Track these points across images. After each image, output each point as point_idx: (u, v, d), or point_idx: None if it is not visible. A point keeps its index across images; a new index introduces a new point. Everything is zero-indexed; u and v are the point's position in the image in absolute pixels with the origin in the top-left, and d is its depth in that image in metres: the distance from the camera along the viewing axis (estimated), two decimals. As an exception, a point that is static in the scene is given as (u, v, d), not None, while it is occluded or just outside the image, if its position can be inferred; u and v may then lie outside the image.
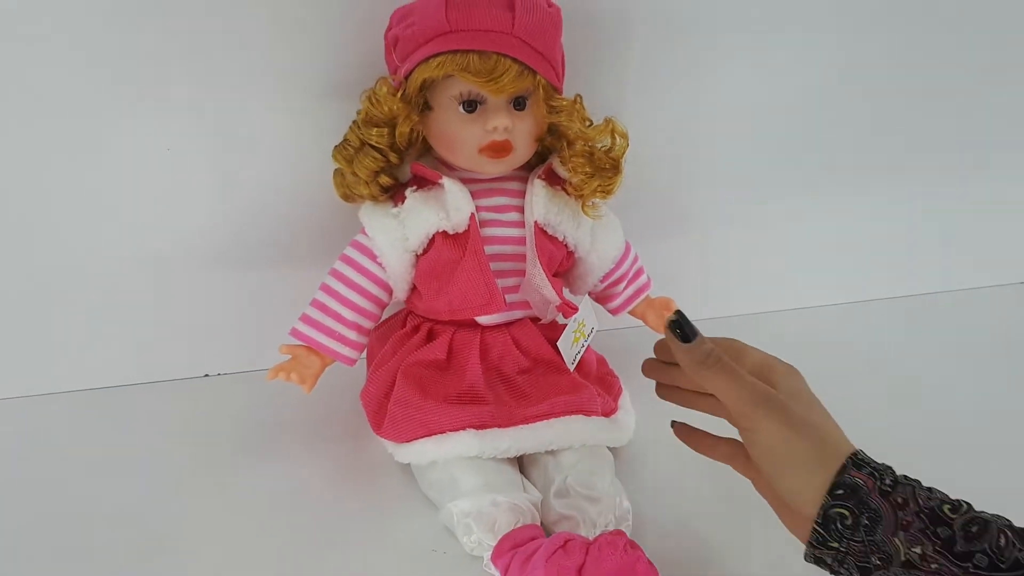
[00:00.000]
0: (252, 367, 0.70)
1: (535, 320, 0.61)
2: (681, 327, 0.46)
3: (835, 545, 0.41)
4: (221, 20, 0.58)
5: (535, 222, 0.58)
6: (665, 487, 0.59)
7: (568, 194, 0.59)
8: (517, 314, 0.60)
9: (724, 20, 0.68)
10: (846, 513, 0.41)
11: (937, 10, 0.73)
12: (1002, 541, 0.38)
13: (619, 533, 0.50)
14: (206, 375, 0.70)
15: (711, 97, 0.71)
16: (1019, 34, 0.77)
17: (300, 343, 0.58)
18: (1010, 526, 0.39)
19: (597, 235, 0.62)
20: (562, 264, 0.61)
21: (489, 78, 0.51)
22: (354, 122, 0.56)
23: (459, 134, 0.54)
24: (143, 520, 0.55)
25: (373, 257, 0.58)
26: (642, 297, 0.68)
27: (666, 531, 0.55)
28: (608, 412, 0.60)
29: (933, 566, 0.39)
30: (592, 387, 0.59)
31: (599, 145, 0.57)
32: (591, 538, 0.49)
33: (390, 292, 0.59)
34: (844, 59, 0.73)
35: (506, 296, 0.58)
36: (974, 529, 0.38)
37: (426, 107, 0.55)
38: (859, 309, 0.88)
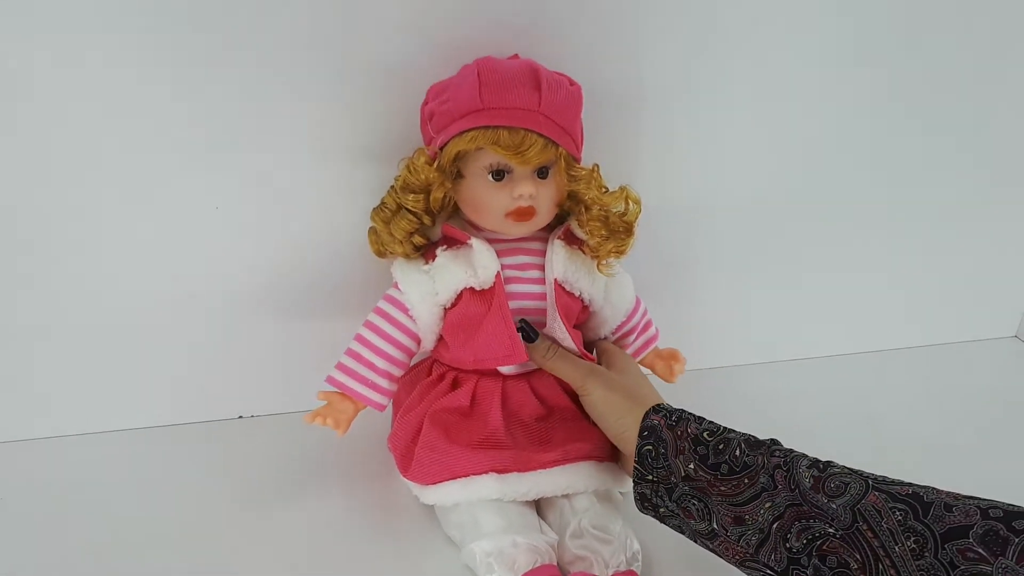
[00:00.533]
0: (284, 410, 0.74)
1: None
2: (525, 331, 0.61)
3: (650, 477, 0.54)
4: (271, 90, 0.63)
5: (555, 279, 0.63)
6: (672, 531, 0.62)
7: (584, 254, 0.64)
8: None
9: (721, 94, 0.73)
10: (651, 448, 0.55)
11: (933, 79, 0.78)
12: (738, 452, 0.52)
13: (631, 573, 0.53)
14: (240, 416, 0.74)
15: (719, 163, 0.76)
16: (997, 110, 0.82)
17: (335, 390, 0.62)
18: (747, 440, 0.53)
19: (610, 291, 0.66)
20: (579, 317, 0.66)
21: (517, 151, 0.56)
22: (392, 187, 0.62)
23: (488, 200, 0.59)
24: (179, 556, 0.58)
25: (405, 310, 0.62)
26: (651, 348, 0.72)
27: (674, 571, 0.59)
28: (617, 457, 0.64)
29: (700, 474, 0.52)
30: (603, 434, 0.63)
31: (614, 210, 0.62)
32: None
33: (419, 342, 0.64)
34: (838, 128, 0.78)
35: None
36: (720, 447, 0.53)
37: (458, 175, 0.60)
38: (859, 360, 0.91)
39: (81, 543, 0.60)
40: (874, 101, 0.77)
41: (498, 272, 0.60)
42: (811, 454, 0.52)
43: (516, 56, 0.63)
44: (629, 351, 0.71)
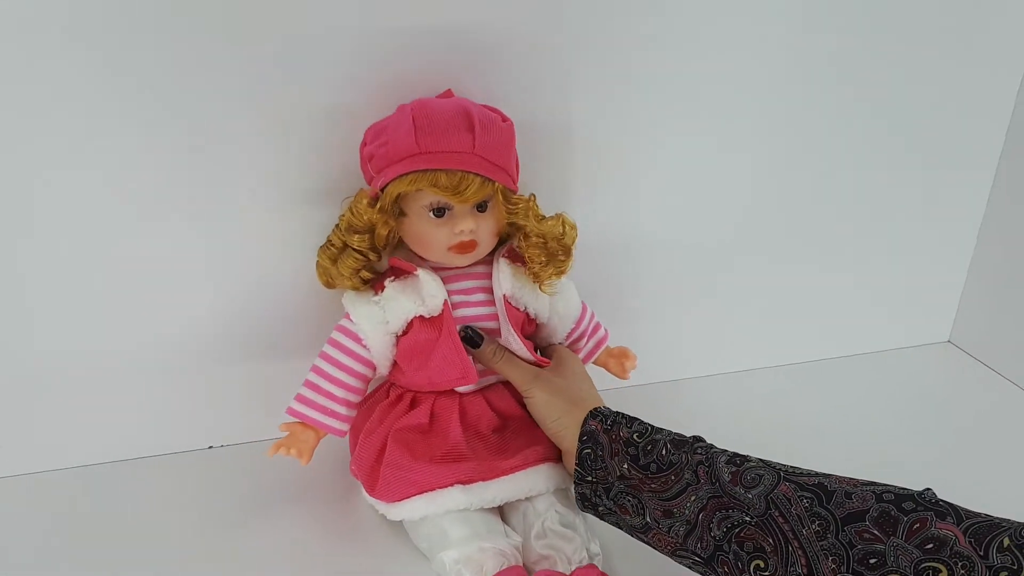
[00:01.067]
0: (253, 438, 0.77)
1: (507, 383, 0.69)
2: (471, 337, 0.65)
3: (590, 478, 0.59)
4: (220, 137, 0.66)
5: (504, 295, 0.67)
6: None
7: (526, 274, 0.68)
8: (491, 379, 0.69)
9: (650, 123, 0.77)
10: (590, 451, 0.60)
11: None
12: (664, 451, 0.57)
13: (591, 567, 0.59)
14: (210, 447, 0.77)
15: (651, 184, 0.80)
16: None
17: (296, 420, 0.65)
18: (673, 440, 0.58)
19: (555, 304, 0.71)
20: (526, 328, 0.71)
21: (455, 192, 0.60)
22: (336, 227, 0.64)
23: (431, 237, 0.63)
24: None
25: (358, 340, 0.65)
26: (602, 348, 0.77)
27: (634, 563, 0.63)
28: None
29: (633, 473, 0.57)
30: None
31: (552, 235, 0.66)
32: (568, 573, 0.58)
33: (374, 369, 0.67)
34: (766, 143, 0.82)
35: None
36: (649, 447, 0.58)
37: (401, 214, 0.63)
38: (798, 371, 0.93)
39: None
40: (805, 110, 0.81)
41: (446, 300, 0.64)
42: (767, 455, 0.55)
43: (449, 92, 0.66)
44: (582, 354, 0.76)
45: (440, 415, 0.66)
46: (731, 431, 0.77)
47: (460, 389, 0.67)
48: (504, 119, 0.64)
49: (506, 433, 0.67)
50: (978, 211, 0.93)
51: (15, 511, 0.69)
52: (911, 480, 0.55)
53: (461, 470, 0.63)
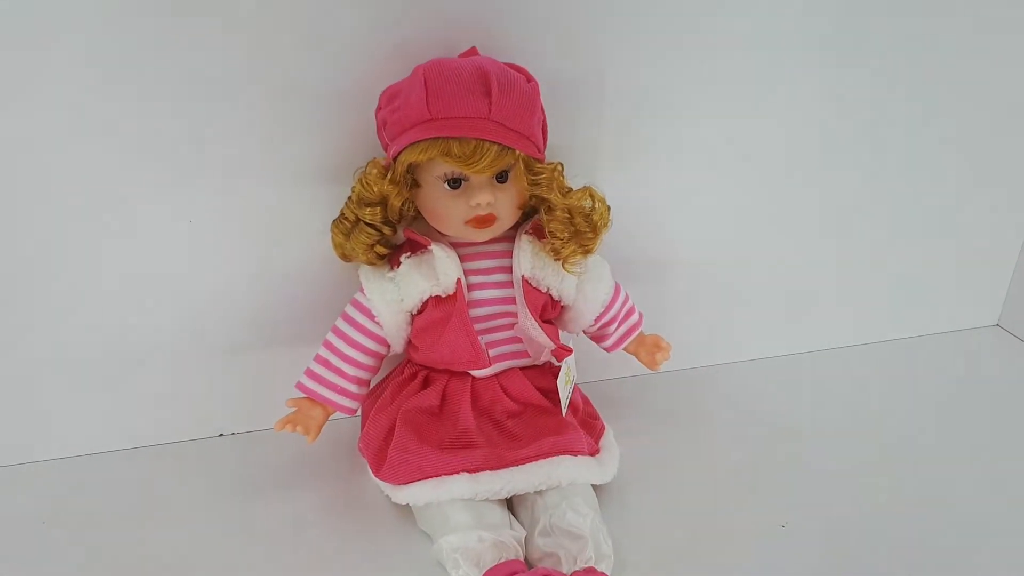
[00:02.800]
0: (263, 426, 0.75)
1: (524, 368, 0.66)
2: None
3: None
4: (218, 105, 0.62)
5: (522, 276, 0.62)
6: (646, 527, 0.63)
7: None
8: (508, 363, 0.65)
9: (686, 92, 0.71)
10: None
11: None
12: None
13: (591, 571, 0.55)
14: (220, 435, 0.75)
15: (689, 152, 0.74)
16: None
17: (304, 396, 0.63)
18: None
19: (583, 285, 0.66)
20: (550, 311, 0.66)
21: (469, 162, 0.55)
22: (349, 199, 0.61)
23: (446, 210, 0.59)
24: (167, 564, 0.60)
25: (371, 316, 0.63)
26: (633, 336, 0.72)
27: (649, 571, 0.59)
28: (593, 452, 0.65)
29: None
30: (578, 427, 0.64)
31: (580, 209, 0.61)
32: (569, 573, 0.54)
33: (388, 346, 0.64)
34: (819, 119, 0.76)
35: (499, 348, 0.64)
36: None
37: (415, 184, 0.59)
38: (836, 355, 0.89)
39: (68, 567, 0.60)
40: (845, 78, 0.75)
41: (459, 279, 0.60)
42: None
43: (474, 50, 0.61)
44: (610, 340, 0.71)
45: (452, 397, 0.63)
46: (772, 416, 0.77)
47: (475, 372, 0.64)
48: (529, 79, 0.59)
49: (522, 420, 0.64)
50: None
51: (26, 499, 0.68)
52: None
53: (469, 458, 0.60)
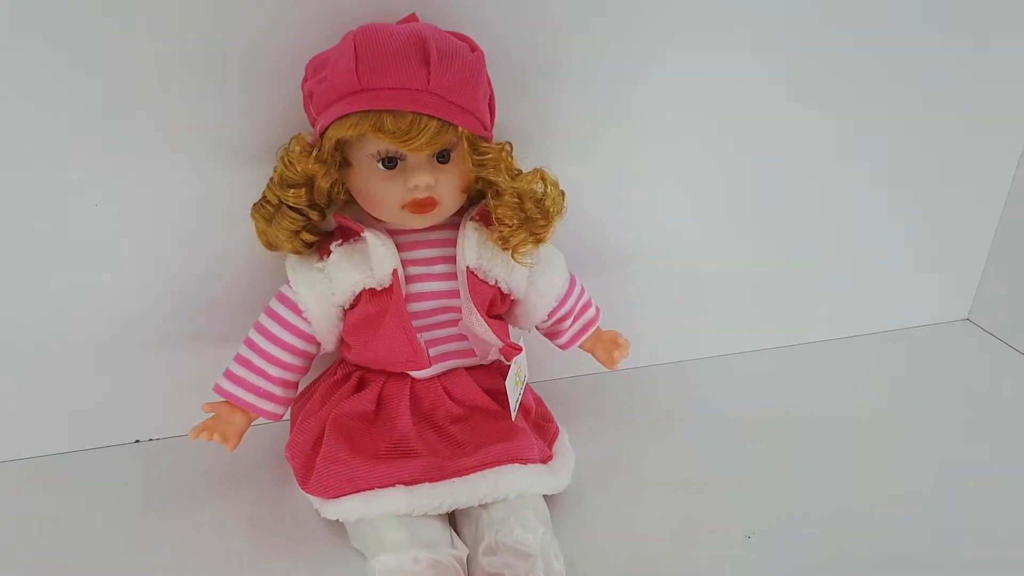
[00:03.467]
0: (183, 432, 0.64)
1: (470, 368, 0.60)
2: None
3: None
4: (134, 81, 0.55)
5: (467, 267, 0.57)
6: (602, 540, 0.58)
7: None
8: (451, 364, 0.59)
9: (647, 67, 0.66)
10: None
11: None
12: None
13: None
14: (137, 441, 0.68)
15: (642, 136, 0.69)
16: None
17: (223, 400, 0.57)
18: None
19: (535, 278, 0.60)
20: (499, 306, 0.60)
21: (405, 138, 0.49)
22: (271, 180, 0.55)
23: (380, 192, 0.53)
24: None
25: (298, 312, 0.56)
26: (590, 332, 0.67)
27: None
28: (545, 459, 0.59)
29: None
30: (529, 432, 0.59)
31: (532, 193, 0.56)
32: None
33: (318, 344, 0.58)
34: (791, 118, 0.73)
35: (442, 346, 0.58)
36: None
37: (345, 164, 0.53)
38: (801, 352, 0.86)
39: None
40: (827, 82, 0.72)
41: (396, 270, 0.54)
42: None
43: (413, 16, 0.55)
44: (565, 336, 0.66)
45: (388, 401, 0.58)
46: (739, 415, 0.74)
47: (414, 374, 0.58)
48: (474, 48, 0.53)
49: (467, 425, 0.58)
50: (1002, 184, 0.86)
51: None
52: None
53: (405, 469, 0.54)
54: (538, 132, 0.63)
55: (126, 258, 0.61)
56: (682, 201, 0.74)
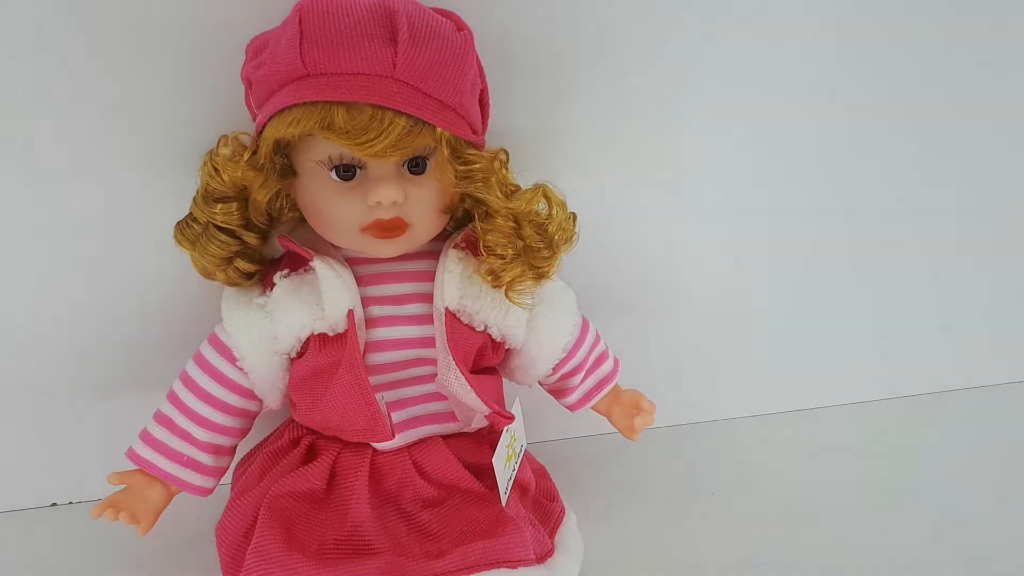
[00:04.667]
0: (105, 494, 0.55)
1: (450, 437, 0.48)
2: None
3: None
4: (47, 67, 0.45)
5: (446, 309, 0.45)
6: None
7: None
8: (425, 431, 0.47)
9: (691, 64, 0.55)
10: None
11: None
12: None
13: None
14: (54, 504, 0.58)
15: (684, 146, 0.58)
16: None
17: (138, 468, 0.45)
18: None
19: (537, 322, 0.48)
20: (490, 357, 0.48)
21: (361, 139, 0.38)
22: (197, 192, 0.43)
23: (332, 210, 0.42)
24: None
25: (232, 359, 0.45)
26: (605, 390, 0.54)
27: None
28: (543, 555, 0.47)
29: None
30: (521, 522, 0.46)
31: (533, 215, 0.44)
32: None
33: (259, 401, 0.47)
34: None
35: (414, 408, 0.46)
36: None
37: (289, 171, 0.42)
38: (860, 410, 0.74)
39: None
40: (881, 84, 0.61)
41: (350, 311, 0.43)
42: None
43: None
44: (575, 395, 0.53)
45: (343, 478, 0.45)
46: (786, 494, 0.61)
47: (377, 444, 0.46)
48: (460, 27, 0.42)
49: (442, 513, 0.45)
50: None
51: None
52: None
53: (358, 571, 0.41)
54: (543, 139, 0.52)
55: (33, 289, 0.51)
56: (722, 230, 0.62)
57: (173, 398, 0.46)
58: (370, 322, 0.44)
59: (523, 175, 0.45)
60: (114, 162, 0.48)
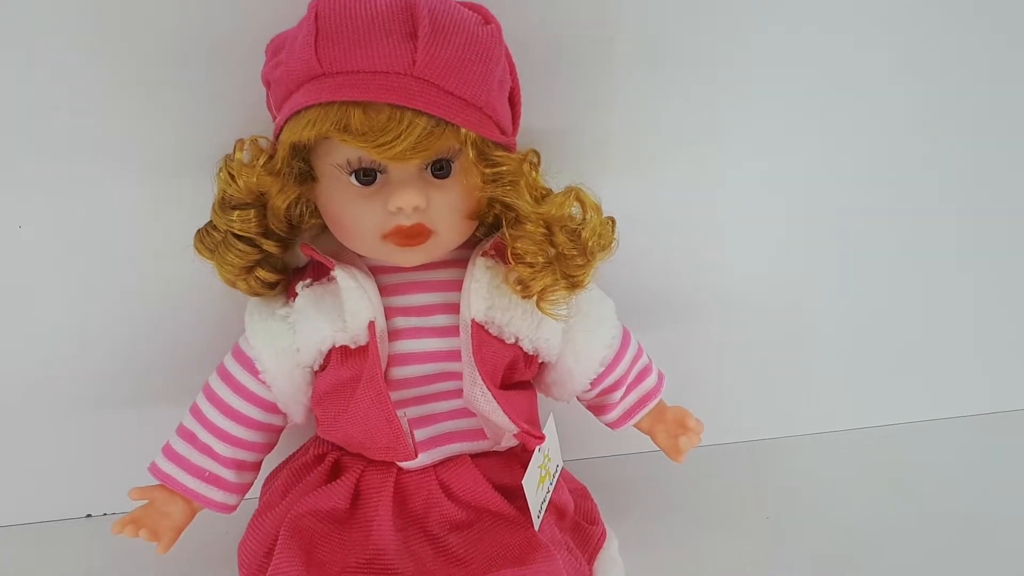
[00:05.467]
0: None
1: (479, 456, 0.45)
2: None
3: None
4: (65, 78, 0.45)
5: (472, 320, 0.42)
6: None
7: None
8: (452, 449, 0.44)
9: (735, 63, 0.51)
10: None
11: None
12: None
13: None
14: (89, 515, 0.58)
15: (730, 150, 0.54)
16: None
17: (159, 483, 0.44)
18: None
19: (573, 334, 0.45)
20: (523, 371, 0.45)
21: (379, 141, 0.36)
22: (214, 199, 0.42)
23: (352, 216, 0.40)
24: None
25: (255, 372, 0.43)
26: (648, 407, 0.50)
27: None
28: (579, 581, 0.44)
29: None
30: (555, 547, 0.43)
31: (565, 220, 0.41)
32: None
33: (284, 415, 0.45)
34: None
35: (441, 425, 0.43)
36: None
37: (309, 176, 0.40)
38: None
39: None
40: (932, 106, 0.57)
41: (372, 323, 0.40)
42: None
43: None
44: (615, 412, 0.50)
45: (367, 498, 0.43)
46: (844, 515, 0.58)
47: (402, 463, 0.43)
48: (488, 20, 0.40)
49: (471, 536, 0.42)
50: None
51: None
52: None
53: (380, 596, 0.39)
54: (580, 140, 0.49)
55: (65, 296, 0.50)
56: (774, 237, 0.58)
57: (196, 412, 0.45)
58: (394, 334, 0.42)
59: (557, 178, 0.42)
60: (137, 171, 0.47)
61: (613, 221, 0.43)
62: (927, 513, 0.57)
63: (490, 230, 0.45)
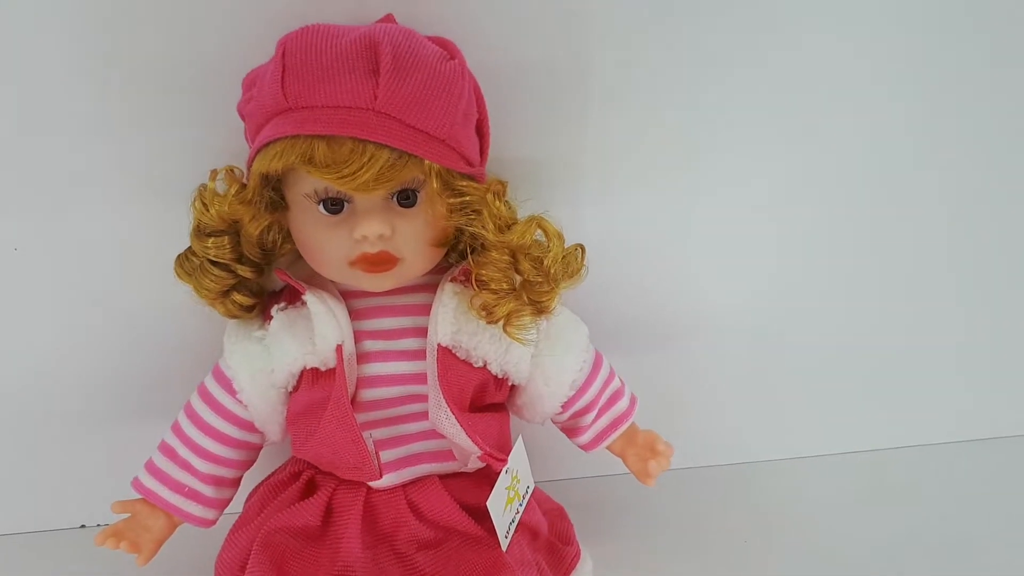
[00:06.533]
0: None
1: (447, 476, 0.46)
2: None
3: None
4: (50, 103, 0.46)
5: (438, 345, 0.43)
6: None
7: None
8: (421, 470, 0.45)
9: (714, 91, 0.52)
10: None
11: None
12: None
13: None
14: (83, 526, 0.59)
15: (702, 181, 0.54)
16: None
17: (141, 497, 0.46)
18: None
19: (542, 359, 0.46)
20: (493, 393, 0.46)
21: (342, 172, 0.37)
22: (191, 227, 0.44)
23: (320, 243, 0.41)
24: None
25: (232, 392, 0.45)
26: (620, 430, 0.51)
27: None
28: (551, 602, 0.44)
29: None
30: (522, 568, 0.43)
31: (529, 247, 0.42)
32: None
33: (261, 433, 0.46)
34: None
35: (409, 446, 0.44)
36: None
37: (280, 204, 0.42)
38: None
39: None
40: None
41: (339, 346, 0.42)
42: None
43: (389, 17, 0.43)
44: (586, 436, 0.50)
45: (337, 516, 0.44)
46: (824, 542, 0.57)
47: (371, 482, 0.44)
48: (452, 55, 0.41)
49: (439, 556, 0.43)
50: None
51: None
52: None
53: (346, 614, 0.40)
54: (554, 168, 0.50)
55: (56, 314, 0.52)
56: (749, 262, 0.58)
57: (176, 429, 0.46)
58: (363, 357, 0.43)
59: (526, 206, 0.43)
60: (125, 193, 0.49)
61: (582, 248, 0.44)
62: (904, 538, 0.57)
63: (462, 256, 0.45)
